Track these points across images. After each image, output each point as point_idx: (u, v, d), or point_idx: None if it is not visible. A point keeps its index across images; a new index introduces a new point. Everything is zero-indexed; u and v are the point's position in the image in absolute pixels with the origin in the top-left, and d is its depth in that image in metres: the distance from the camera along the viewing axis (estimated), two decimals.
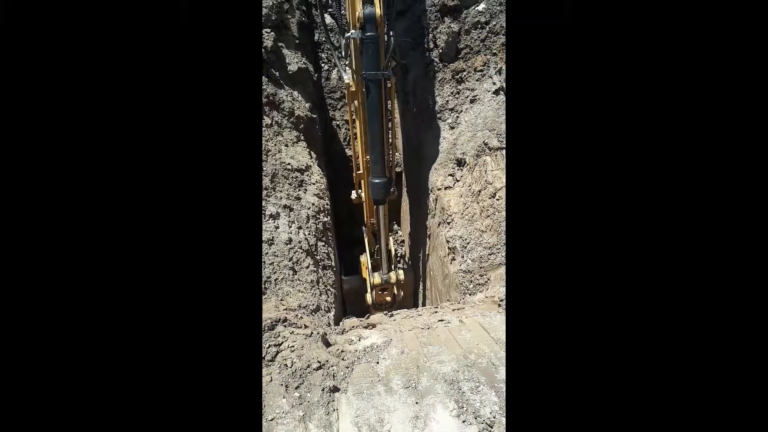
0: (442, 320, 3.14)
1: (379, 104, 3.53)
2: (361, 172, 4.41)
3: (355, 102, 3.92)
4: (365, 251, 5.26)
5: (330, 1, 5.75)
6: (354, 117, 4.13)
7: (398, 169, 6.18)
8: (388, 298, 5.19)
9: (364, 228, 5.27)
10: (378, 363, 2.50)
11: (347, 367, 2.44)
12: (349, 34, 3.35)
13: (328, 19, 5.49)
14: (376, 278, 4.89)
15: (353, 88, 3.74)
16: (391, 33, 3.59)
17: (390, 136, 4.12)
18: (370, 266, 5.09)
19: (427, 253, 5.39)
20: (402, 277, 4.93)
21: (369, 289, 5.14)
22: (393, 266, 5.06)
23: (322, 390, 2.18)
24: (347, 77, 3.79)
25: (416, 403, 2.08)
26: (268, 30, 4.48)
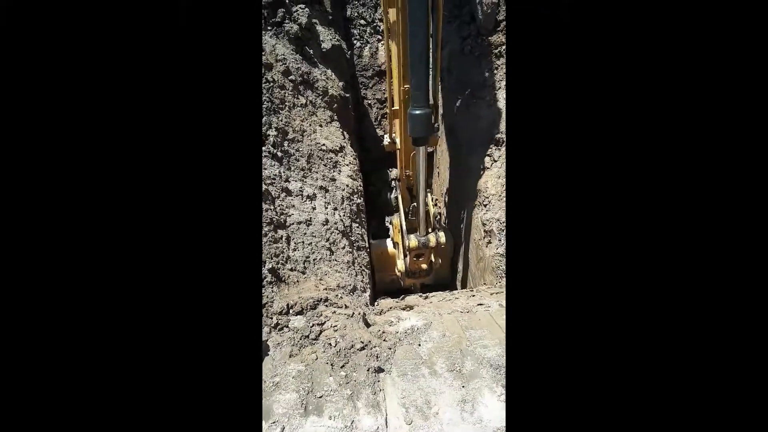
0: (481, 304, 3.10)
1: (425, 12, 2.75)
2: (396, 108, 3.56)
3: (392, 12, 3.16)
4: (398, 212, 4.49)
5: None
6: (389, 34, 3.36)
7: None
8: (425, 266, 4.47)
9: (396, 183, 4.53)
10: (420, 345, 2.50)
11: (390, 348, 2.46)
12: None
13: None
14: (413, 241, 4.10)
15: None
16: None
17: (436, 56, 3.21)
18: (404, 228, 4.30)
19: (462, 231, 5.25)
20: (443, 240, 4.16)
21: (402, 255, 4.47)
22: (432, 227, 4.29)
23: (368, 370, 2.21)
24: None
25: (462, 386, 2.07)
26: (303, 6, 4.38)
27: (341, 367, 2.24)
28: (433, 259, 4.51)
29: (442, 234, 4.17)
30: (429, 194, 4.33)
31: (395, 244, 4.79)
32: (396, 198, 4.82)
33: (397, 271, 4.76)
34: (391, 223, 4.89)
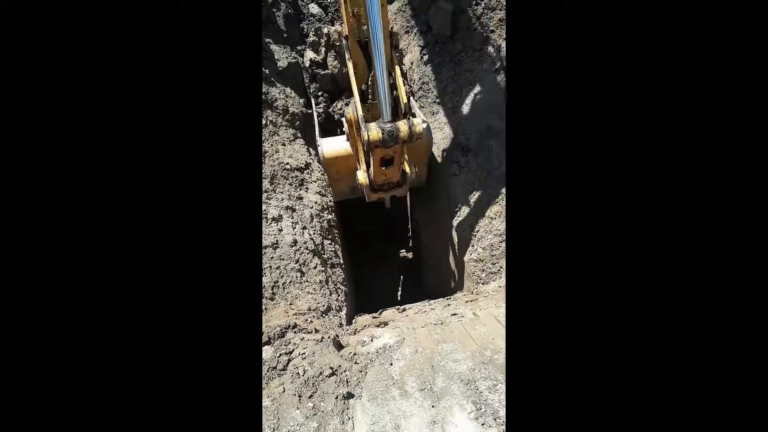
0: (455, 314, 3.06)
1: None
2: None
3: None
4: (352, 95, 2.87)
5: None
6: None
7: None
8: (396, 177, 3.14)
9: (344, 42, 2.84)
10: (392, 364, 2.44)
11: (360, 371, 2.39)
12: None
13: (315, 8, 5.31)
14: (374, 131, 2.63)
15: None
16: None
17: None
18: (360, 114, 2.78)
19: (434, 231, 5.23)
20: (419, 128, 2.67)
21: (363, 162, 3.16)
22: (403, 112, 2.75)
23: (336, 398, 2.13)
24: None
25: (432, 406, 2.02)
26: None
27: (309, 398, 2.15)
28: (407, 168, 3.17)
29: (417, 121, 2.67)
30: (393, 55, 2.77)
31: (354, 149, 3.35)
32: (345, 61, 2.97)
33: (358, 183, 3.43)
34: (343, 115, 3.19)
